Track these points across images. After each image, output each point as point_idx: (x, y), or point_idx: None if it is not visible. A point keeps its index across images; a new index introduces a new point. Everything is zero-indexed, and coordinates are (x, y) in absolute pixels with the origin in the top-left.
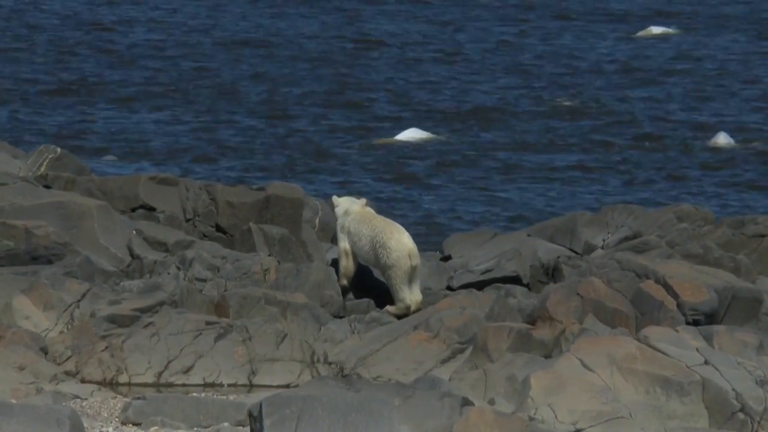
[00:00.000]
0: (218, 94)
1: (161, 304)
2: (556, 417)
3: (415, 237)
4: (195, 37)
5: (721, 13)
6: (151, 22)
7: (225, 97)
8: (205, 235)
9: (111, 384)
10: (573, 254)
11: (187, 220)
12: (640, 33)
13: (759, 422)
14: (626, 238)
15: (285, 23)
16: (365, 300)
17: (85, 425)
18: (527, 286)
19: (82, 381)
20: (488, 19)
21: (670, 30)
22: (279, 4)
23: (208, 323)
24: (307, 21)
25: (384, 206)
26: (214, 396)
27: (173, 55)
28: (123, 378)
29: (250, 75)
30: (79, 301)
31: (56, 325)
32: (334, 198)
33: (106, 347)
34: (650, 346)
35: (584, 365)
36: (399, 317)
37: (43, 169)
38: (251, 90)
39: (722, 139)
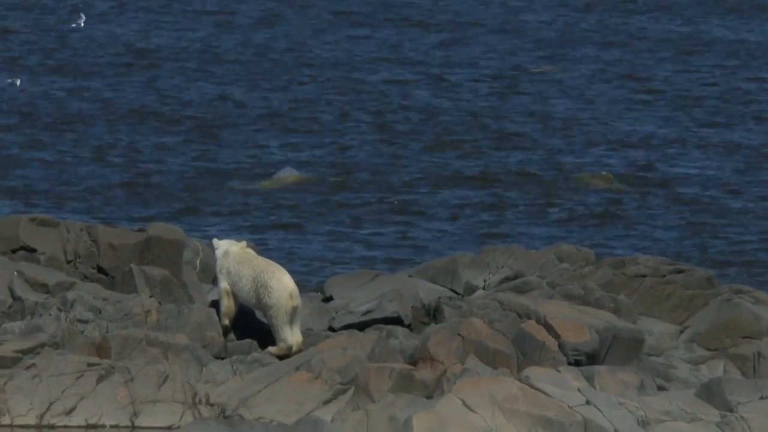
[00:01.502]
0: (94, 133)
1: (43, 345)
2: None
3: (296, 278)
4: (67, 70)
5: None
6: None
7: (102, 135)
8: (86, 277)
9: None
10: (454, 295)
11: (68, 262)
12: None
13: None
14: (507, 279)
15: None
16: (247, 341)
17: None
18: (409, 326)
19: None
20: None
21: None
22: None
23: (89, 365)
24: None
25: (264, 247)
26: None
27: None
28: (5, 419)
29: (126, 112)
30: None
31: None
32: (215, 240)
33: None
34: (532, 386)
35: (466, 406)
36: (281, 358)
37: None
38: (128, 129)
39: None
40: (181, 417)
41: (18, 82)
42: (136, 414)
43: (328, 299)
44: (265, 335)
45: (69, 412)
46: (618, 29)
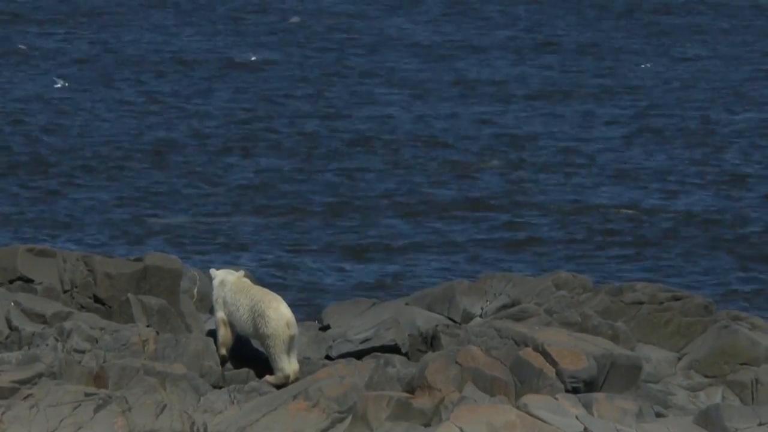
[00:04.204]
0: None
1: (40, 375)
2: None
3: (293, 306)
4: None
5: None
6: None
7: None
8: (83, 307)
9: None
10: (451, 323)
11: (65, 292)
12: None
13: None
14: (504, 306)
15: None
16: (244, 370)
17: None
18: (406, 354)
19: None
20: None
21: None
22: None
23: (87, 394)
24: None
25: (262, 275)
26: None
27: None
28: None
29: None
30: None
31: None
32: (212, 270)
33: None
34: (530, 413)
35: None
36: (278, 387)
37: None
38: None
39: None
40: None
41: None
42: None
43: (325, 328)
44: (262, 364)
45: None
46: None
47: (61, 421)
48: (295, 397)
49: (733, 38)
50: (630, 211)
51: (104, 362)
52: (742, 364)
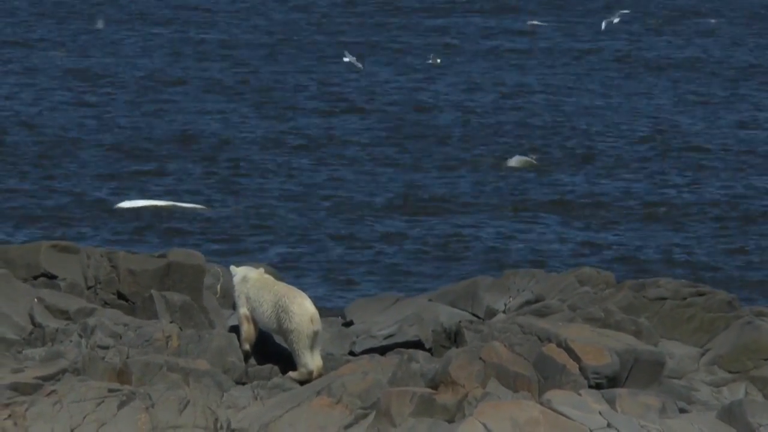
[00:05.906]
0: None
1: (64, 371)
2: None
3: (316, 302)
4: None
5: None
6: None
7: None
8: (106, 303)
9: None
10: (475, 319)
11: (89, 288)
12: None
13: None
14: (528, 302)
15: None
16: (268, 366)
17: None
18: (429, 350)
19: None
20: None
21: None
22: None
23: (110, 390)
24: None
25: (284, 270)
26: None
27: None
28: None
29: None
30: None
31: None
32: (232, 267)
33: (9, 415)
34: (553, 409)
35: (488, 430)
36: (301, 383)
37: None
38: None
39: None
40: None
41: None
42: None
43: (348, 324)
44: (285, 360)
45: None
46: None
47: (85, 417)
48: (318, 393)
49: None
50: (651, 206)
51: (128, 358)
52: (765, 359)
